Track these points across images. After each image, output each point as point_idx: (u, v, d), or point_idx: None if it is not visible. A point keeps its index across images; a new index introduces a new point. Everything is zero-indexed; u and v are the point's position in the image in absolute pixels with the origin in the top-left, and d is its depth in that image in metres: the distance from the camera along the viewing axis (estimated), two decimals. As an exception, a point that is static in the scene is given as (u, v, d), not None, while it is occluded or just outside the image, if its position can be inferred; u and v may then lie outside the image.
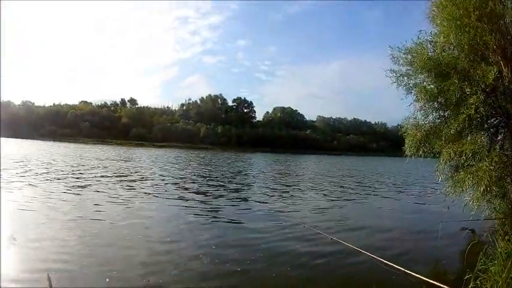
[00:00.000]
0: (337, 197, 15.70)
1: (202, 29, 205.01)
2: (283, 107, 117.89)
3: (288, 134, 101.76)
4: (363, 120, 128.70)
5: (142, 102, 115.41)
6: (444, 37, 6.45)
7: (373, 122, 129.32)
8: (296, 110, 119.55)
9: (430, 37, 6.98)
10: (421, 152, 7.23)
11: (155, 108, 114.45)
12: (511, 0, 6.00)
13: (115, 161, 29.70)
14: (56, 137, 79.87)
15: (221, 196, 14.06)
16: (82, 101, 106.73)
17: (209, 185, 17.30)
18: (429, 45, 6.88)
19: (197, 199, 12.93)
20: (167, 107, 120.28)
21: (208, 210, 10.99)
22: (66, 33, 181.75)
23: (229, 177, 22.29)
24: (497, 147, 6.24)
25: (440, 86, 6.43)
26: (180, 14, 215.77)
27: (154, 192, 13.96)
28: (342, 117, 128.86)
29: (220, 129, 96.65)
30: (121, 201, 11.52)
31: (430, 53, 6.76)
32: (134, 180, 17.42)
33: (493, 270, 4.37)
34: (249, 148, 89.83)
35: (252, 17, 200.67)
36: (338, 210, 12.41)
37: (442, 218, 8.54)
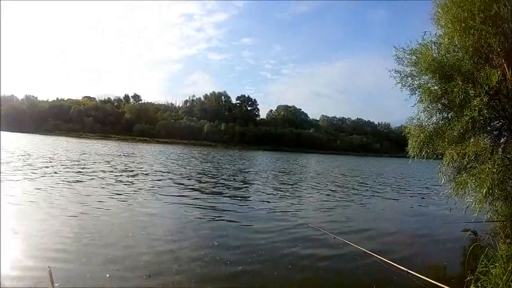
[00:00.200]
0: (341, 198, 15.69)
1: (207, 26, 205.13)
2: (287, 106, 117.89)
3: (291, 133, 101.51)
4: (367, 120, 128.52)
5: (146, 98, 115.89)
6: (448, 39, 6.44)
7: (376, 123, 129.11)
8: (300, 109, 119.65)
9: (435, 38, 6.97)
10: (424, 153, 7.22)
11: (159, 105, 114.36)
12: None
13: (118, 157, 29.88)
14: (58, 131, 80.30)
15: (224, 194, 14.12)
16: (85, 96, 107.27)
17: (212, 183, 17.39)
18: (434, 47, 6.86)
19: (199, 197, 12.97)
20: (171, 103, 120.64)
21: (210, 208, 11.01)
22: (71, 28, 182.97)
23: (232, 174, 22.36)
24: (500, 149, 6.24)
25: (444, 87, 6.41)
26: (185, 11, 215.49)
27: (157, 188, 14.03)
28: (346, 116, 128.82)
29: (224, 126, 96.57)
30: (123, 197, 11.61)
31: (434, 54, 6.74)
32: (137, 176, 17.54)
33: (493, 273, 4.38)
34: (252, 146, 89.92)
35: (257, 16, 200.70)
36: (342, 211, 12.37)
37: (444, 220, 8.53)
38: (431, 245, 8.41)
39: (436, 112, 7.07)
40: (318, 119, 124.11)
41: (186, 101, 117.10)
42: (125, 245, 6.83)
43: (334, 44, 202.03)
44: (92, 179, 15.25)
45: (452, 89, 6.08)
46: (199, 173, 21.54)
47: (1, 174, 14.02)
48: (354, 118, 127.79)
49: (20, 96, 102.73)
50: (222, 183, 17.42)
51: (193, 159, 34.53)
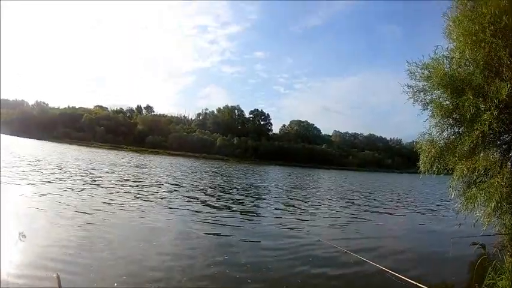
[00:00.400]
0: (352, 214, 15.56)
1: (220, 39, 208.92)
2: (300, 121, 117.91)
3: (304, 148, 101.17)
4: (379, 136, 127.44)
5: (158, 110, 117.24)
6: (460, 53, 6.41)
7: (388, 138, 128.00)
8: (313, 124, 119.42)
9: (447, 52, 6.95)
10: (434, 168, 7.13)
11: (171, 117, 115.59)
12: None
13: (129, 167, 30.23)
14: (69, 139, 79.44)
15: (235, 209, 14.08)
16: (97, 106, 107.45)
17: (223, 198, 17.35)
18: (445, 61, 6.83)
19: (210, 211, 12.90)
20: (183, 115, 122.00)
21: (221, 223, 10.95)
22: (86, 37, 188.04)
23: (244, 189, 22.34)
24: (509, 163, 6.15)
25: (455, 102, 6.36)
26: (200, 22, 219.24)
27: (167, 201, 14.08)
28: (358, 132, 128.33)
29: (237, 140, 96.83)
30: (133, 209, 11.67)
31: (446, 69, 6.71)
32: (146, 188, 17.69)
33: (500, 285, 4.37)
34: (264, 160, 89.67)
35: (270, 28, 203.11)
36: (354, 227, 12.40)
37: (453, 235, 8.57)
38: (440, 260, 8.48)
39: (448, 127, 6.99)
40: (330, 134, 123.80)
41: (199, 114, 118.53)
42: (134, 259, 6.79)
43: (346, 58, 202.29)
44: (102, 188, 15.45)
45: (463, 104, 6.02)
46: (210, 187, 21.55)
47: (8, 177, 14.33)
48: (366, 134, 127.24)
49: (31, 101, 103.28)
50: (234, 198, 17.37)
51: (204, 173, 34.61)
